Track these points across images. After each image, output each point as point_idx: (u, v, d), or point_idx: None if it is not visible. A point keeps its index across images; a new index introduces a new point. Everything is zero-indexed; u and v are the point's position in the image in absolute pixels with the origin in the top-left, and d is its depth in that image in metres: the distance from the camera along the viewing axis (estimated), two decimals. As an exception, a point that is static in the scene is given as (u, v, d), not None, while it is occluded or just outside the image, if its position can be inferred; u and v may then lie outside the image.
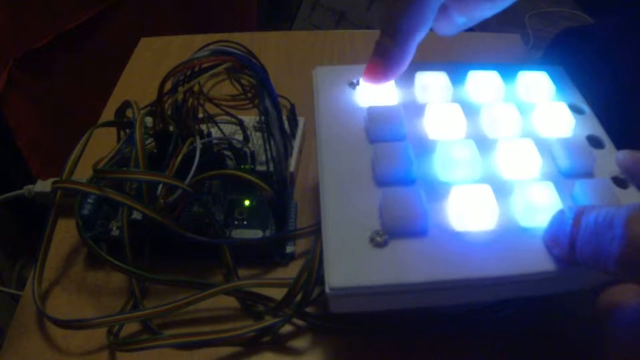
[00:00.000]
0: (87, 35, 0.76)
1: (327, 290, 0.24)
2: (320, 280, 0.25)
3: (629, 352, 0.21)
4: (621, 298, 0.22)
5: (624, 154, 0.28)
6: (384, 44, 0.30)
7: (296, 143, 0.39)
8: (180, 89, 0.31)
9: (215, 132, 0.36)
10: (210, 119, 0.35)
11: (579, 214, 0.22)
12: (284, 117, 0.38)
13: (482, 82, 0.32)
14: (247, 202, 0.34)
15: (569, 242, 0.23)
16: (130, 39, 0.53)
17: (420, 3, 0.29)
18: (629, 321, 0.22)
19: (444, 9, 0.32)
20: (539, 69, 0.33)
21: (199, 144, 0.31)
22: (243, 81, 0.34)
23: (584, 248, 0.22)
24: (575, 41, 0.45)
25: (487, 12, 0.32)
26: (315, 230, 0.30)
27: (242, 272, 0.32)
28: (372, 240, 0.25)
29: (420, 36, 0.30)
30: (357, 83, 0.32)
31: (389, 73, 0.30)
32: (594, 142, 0.29)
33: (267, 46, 0.51)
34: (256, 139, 0.38)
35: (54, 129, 0.76)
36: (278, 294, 0.29)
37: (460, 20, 0.33)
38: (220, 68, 0.31)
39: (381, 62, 0.30)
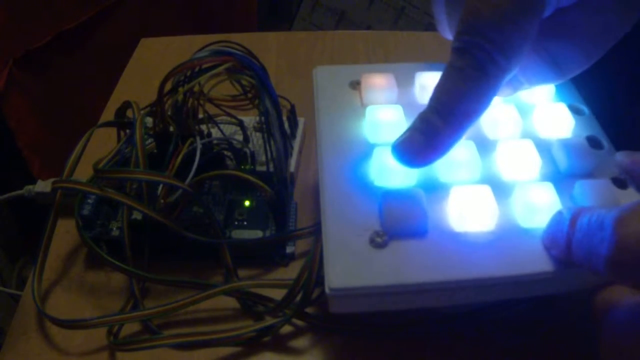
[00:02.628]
0: (87, 35, 0.76)
1: (327, 290, 0.24)
2: (321, 280, 0.25)
3: (622, 351, 0.21)
4: (616, 297, 0.23)
5: (623, 155, 0.28)
6: (433, 123, 0.25)
7: (296, 143, 0.39)
8: (181, 89, 0.31)
9: (215, 132, 0.36)
10: (210, 119, 0.35)
11: (575, 215, 0.22)
12: (284, 118, 0.38)
13: (482, 82, 0.32)
14: (247, 203, 0.34)
15: (565, 243, 0.23)
16: (130, 39, 0.53)
17: (488, 85, 0.24)
18: (622, 320, 0.22)
19: None
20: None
21: (199, 144, 0.31)
22: (243, 81, 0.34)
23: (578, 249, 0.22)
24: None
25: (551, 81, 0.29)
26: (315, 231, 0.30)
27: (242, 273, 0.32)
28: (372, 240, 0.25)
29: (478, 119, 0.25)
30: (358, 83, 0.32)
31: (431, 157, 0.25)
32: (594, 142, 0.29)
33: (267, 46, 0.51)
34: (256, 139, 0.38)
35: (54, 129, 0.76)
36: (278, 294, 0.29)
37: (521, 86, 0.29)
38: (221, 68, 0.31)
39: (424, 143, 0.25)
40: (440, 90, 0.25)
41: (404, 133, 0.26)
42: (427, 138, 0.25)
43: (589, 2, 0.25)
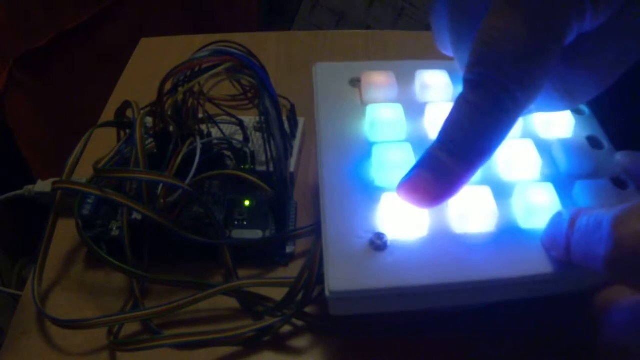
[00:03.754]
0: (87, 35, 0.76)
1: (327, 294, 0.24)
2: (321, 279, 0.25)
3: (622, 351, 0.21)
4: (616, 298, 0.23)
5: (623, 155, 0.28)
6: (444, 162, 0.23)
7: (296, 143, 0.39)
8: (181, 89, 0.31)
9: (215, 132, 0.36)
10: (210, 119, 0.35)
11: (574, 215, 0.22)
12: (284, 117, 0.38)
13: (483, 82, 0.32)
14: (247, 202, 0.34)
15: (565, 244, 0.23)
16: (130, 39, 0.53)
17: (505, 123, 0.22)
18: (622, 321, 0.22)
19: None
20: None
21: (199, 144, 0.31)
22: (243, 81, 0.35)
23: (577, 250, 0.22)
24: None
25: (561, 108, 0.27)
26: (315, 230, 0.30)
27: (242, 273, 0.32)
28: (372, 243, 0.25)
29: (491, 157, 0.23)
30: (358, 80, 0.32)
31: (440, 198, 0.24)
32: (594, 142, 0.29)
33: (267, 46, 0.51)
34: (256, 139, 0.38)
35: (54, 129, 0.76)
36: (278, 294, 0.29)
37: (528, 112, 0.25)
38: (221, 68, 0.31)
39: (433, 183, 0.23)
40: (451, 126, 0.23)
41: (411, 171, 0.24)
42: (436, 178, 0.23)
43: (610, 27, 0.23)
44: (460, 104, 0.23)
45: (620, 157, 0.28)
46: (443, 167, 0.23)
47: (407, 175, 0.24)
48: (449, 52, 0.28)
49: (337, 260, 0.24)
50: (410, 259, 0.24)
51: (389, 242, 0.25)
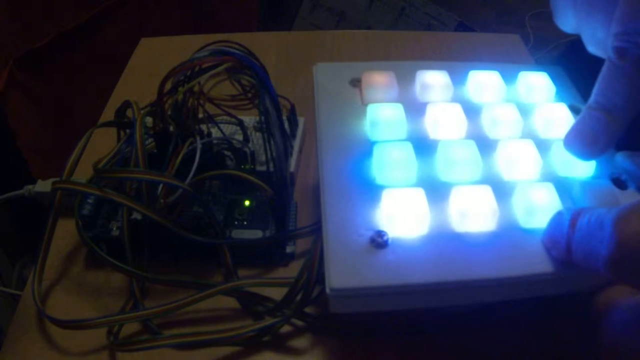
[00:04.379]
0: (87, 35, 0.76)
1: (327, 291, 0.24)
2: (321, 279, 0.25)
3: (623, 351, 0.21)
4: (617, 298, 0.23)
5: (623, 155, 0.28)
6: (599, 118, 0.27)
7: (296, 143, 0.38)
8: (181, 89, 0.31)
9: (215, 132, 0.36)
10: (210, 119, 0.35)
11: (575, 215, 0.22)
12: (284, 117, 0.38)
13: (483, 82, 0.32)
14: (247, 202, 0.34)
15: (565, 244, 0.23)
16: (130, 39, 0.53)
17: None
18: (623, 321, 0.22)
19: None
20: (540, 69, 0.33)
21: (199, 144, 0.31)
22: (243, 81, 0.35)
23: (578, 249, 0.22)
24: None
25: None
26: (315, 230, 0.30)
27: (242, 272, 0.32)
28: (372, 240, 0.25)
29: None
30: (358, 80, 0.32)
31: (597, 150, 0.27)
32: (594, 142, 0.29)
33: (267, 46, 0.51)
34: (256, 139, 0.38)
35: (54, 129, 0.76)
36: (278, 294, 0.29)
37: None
38: (221, 68, 0.31)
39: (591, 136, 0.27)
40: (604, 86, 0.26)
41: (573, 125, 0.27)
42: (594, 132, 0.27)
43: None
44: (610, 67, 0.26)
45: (620, 157, 0.28)
46: (598, 123, 0.26)
47: (569, 130, 0.28)
48: (569, 28, 0.30)
49: (338, 258, 0.24)
50: (410, 257, 0.24)
51: (389, 240, 0.25)
